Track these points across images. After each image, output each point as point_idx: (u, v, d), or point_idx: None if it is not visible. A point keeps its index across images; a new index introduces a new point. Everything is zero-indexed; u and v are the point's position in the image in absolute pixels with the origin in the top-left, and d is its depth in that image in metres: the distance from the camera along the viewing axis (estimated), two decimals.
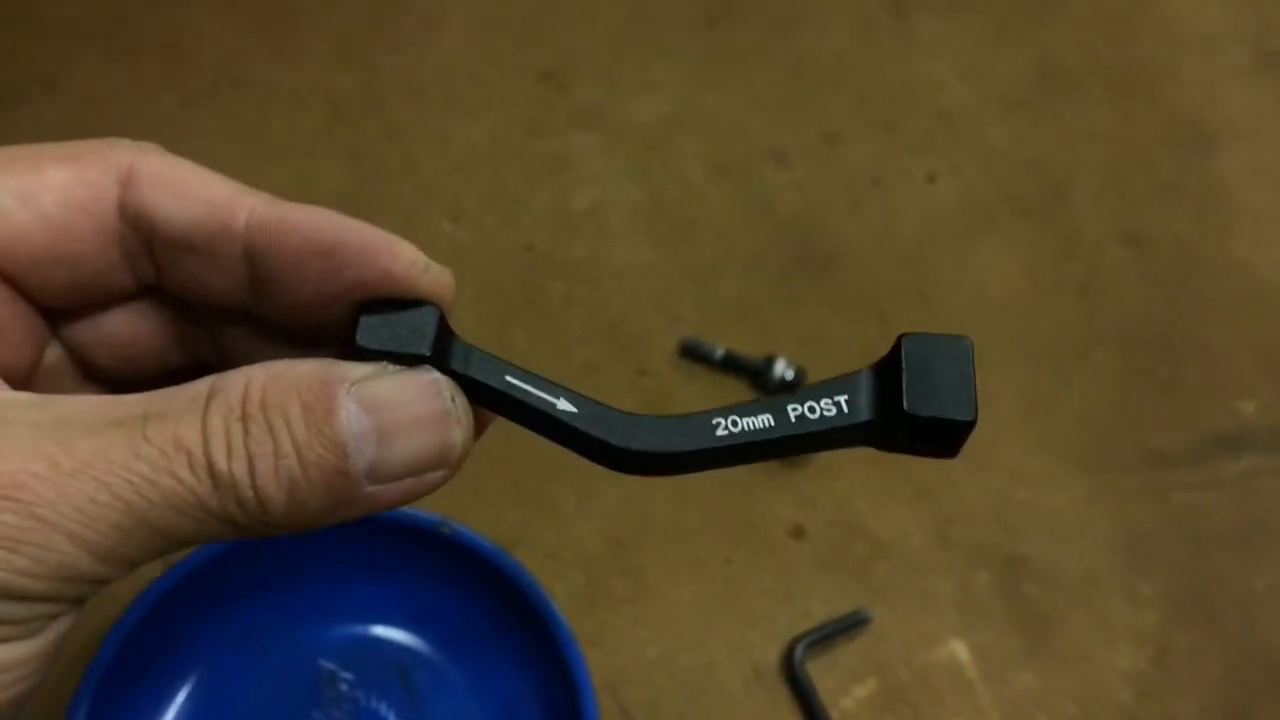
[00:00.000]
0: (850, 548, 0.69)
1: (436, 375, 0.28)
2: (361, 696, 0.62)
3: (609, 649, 0.66)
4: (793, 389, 0.73)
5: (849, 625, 0.67)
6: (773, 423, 0.29)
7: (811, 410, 0.29)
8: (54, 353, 0.31)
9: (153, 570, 0.59)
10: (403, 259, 0.28)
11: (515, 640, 0.61)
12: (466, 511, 0.64)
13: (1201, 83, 0.89)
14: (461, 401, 0.28)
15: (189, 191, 0.28)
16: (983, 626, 0.67)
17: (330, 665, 0.62)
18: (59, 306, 0.30)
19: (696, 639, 0.66)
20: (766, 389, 0.73)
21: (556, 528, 0.69)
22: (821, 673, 0.65)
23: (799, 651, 0.65)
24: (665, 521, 0.70)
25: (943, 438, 0.29)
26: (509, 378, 0.29)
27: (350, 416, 0.26)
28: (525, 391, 0.29)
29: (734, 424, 0.29)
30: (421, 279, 0.29)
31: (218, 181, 0.29)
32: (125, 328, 0.31)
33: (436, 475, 0.28)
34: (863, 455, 0.72)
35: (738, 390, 0.74)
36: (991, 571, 0.69)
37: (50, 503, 0.24)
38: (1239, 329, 0.77)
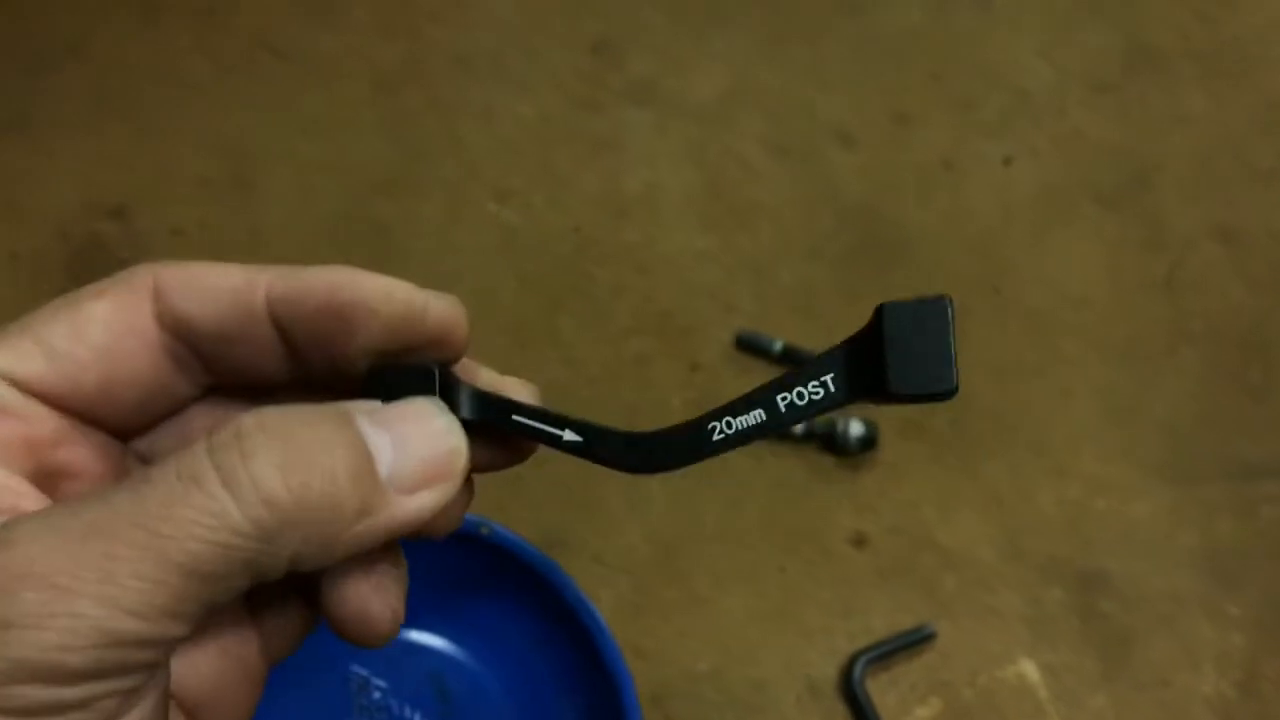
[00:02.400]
0: (914, 558, 0.65)
1: (433, 397, 0.29)
2: (395, 705, 0.59)
3: (656, 660, 0.62)
4: None
5: (912, 641, 0.63)
6: (764, 417, 0.30)
7: (800, 396, 0.30)
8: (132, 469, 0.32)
9: None
10: (397, 310, 0.29)
11: (557, 648, 0.58)
12: (508, 512, 0.60)
13: None
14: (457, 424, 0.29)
15: (210, 285, 0.30)
16: (1055, 646, 0.63)
17: (363, 672, 0.59)
18: (131, 426, 0.31)
19: (749, 652, 0.63)
20: None
21: (603, 530, 0.65)
22: (881, 691, 0.62)
23: (858, 668, 0.62)
24: (716, 525, 0.66)
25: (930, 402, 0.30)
26: (515, 416, 0.31)
27: (367, 427, 0.27)
28: (532, 428, 0.31)
29: (728, 425, 0.30)
30: (423, 325, 0.29)
31: (235, 270, 0.30)
32: (196, 429, 0.32)
33: (447, 487, 0.28)
34: (927, 459, 0.68)
35: None
36: (1066, 587, 0.64)
37: (66, 569, 0.24)
38: None
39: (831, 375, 0.30)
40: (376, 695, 0.59)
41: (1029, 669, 0.63)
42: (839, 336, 0.73)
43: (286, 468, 0.25)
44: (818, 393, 0.30)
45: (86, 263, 0.74)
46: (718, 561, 0.65)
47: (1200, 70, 0.82)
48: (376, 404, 0.28)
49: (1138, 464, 0.68)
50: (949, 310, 0.29)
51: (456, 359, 0.31)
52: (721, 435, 0.30)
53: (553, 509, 0.65)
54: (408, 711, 0.59)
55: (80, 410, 0.30)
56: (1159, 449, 0.68)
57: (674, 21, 0.84)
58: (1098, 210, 0.76)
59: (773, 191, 0.77)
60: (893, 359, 0.29)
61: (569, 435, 0.31)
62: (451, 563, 0.58)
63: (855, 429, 0.67)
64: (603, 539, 0.65)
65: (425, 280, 0.79)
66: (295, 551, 0.26)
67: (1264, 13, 0.85)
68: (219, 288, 0.29)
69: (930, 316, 0.29)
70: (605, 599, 0.63)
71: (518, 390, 0.32)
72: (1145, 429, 0.69)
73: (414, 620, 0.60)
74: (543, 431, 0.31)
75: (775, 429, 0.30)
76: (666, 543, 0.65)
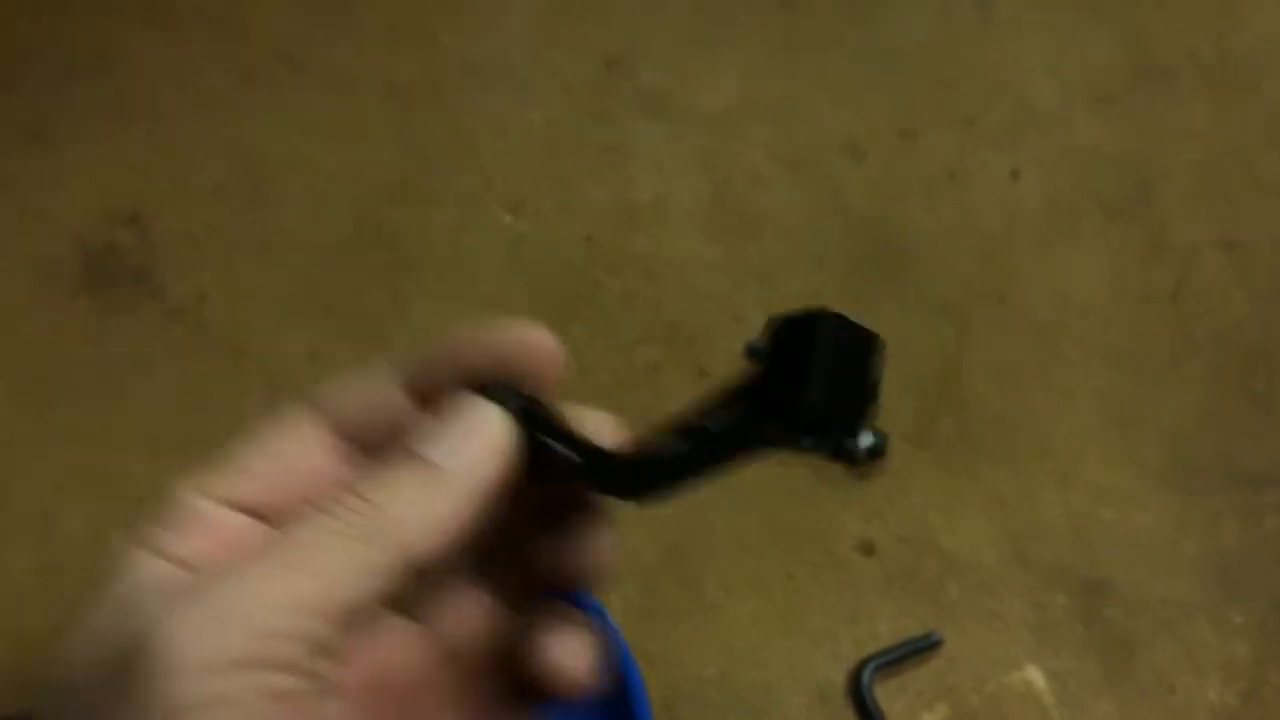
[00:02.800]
0: (921, 565, 0.66)
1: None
2: None
3: (663, 664, 0.63)
4: None
5: (919, 648, 0.63)
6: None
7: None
8: None
9: None
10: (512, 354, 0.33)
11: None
12: None
13: None
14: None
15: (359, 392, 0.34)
16: (1060, 652, 0.63)
17: None
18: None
19: (757, 657, 0.63)
20: None
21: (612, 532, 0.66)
22: (889, 697, 0.62)
23: (867, 674, 0.62)
24: (725, 531, 0.66)
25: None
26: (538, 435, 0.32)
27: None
28: (552, 445, 0.32)
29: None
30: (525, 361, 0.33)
31: (371, 375, 0.34)
32: None
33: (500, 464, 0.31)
34: (933, 465, 0.69)
35: None
36: (1070, 594, 0.65)
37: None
38: None
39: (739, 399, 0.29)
40: None
41: (1034, 675, 0.63)
42: None
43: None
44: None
45: (101, 270, 0.75)
46: (726, 567, 0.66)
47: (1205, 82, 0.83)
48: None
49: (1142, 471, 0.68)
50: (877, 347, 0.27)
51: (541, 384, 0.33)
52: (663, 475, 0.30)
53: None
54: None
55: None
56: (1163, 456, 0.69)
57: (685, 34, 0.85)
58: (1102, 220, 0.77)
59: (781, 201, 0.78)
60: (812, 372, 0.26)
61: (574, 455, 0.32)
62: None
63: (864, 439, 0.67)
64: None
65: (438, 291, 0.80)
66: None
67: (1270, 26, 0.86)
68: (365, 392, 0.34)
69: (857, 342, 0.27)
70: (613, 602, 0.64)
71: (598, 423, 0.33)
72: (1150, 436, 0.69)
73: None
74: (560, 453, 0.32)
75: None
76: (675, 547, 0.66)
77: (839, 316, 0.26)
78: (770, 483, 0.68)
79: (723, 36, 0.85)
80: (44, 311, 0.74)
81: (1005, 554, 0.66)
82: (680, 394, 0.70)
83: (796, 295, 0.74)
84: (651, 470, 0.31)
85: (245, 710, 0.25)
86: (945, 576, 0.65)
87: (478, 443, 0.31)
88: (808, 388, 0.26)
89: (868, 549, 0.66)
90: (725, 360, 0.71)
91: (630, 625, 0.62)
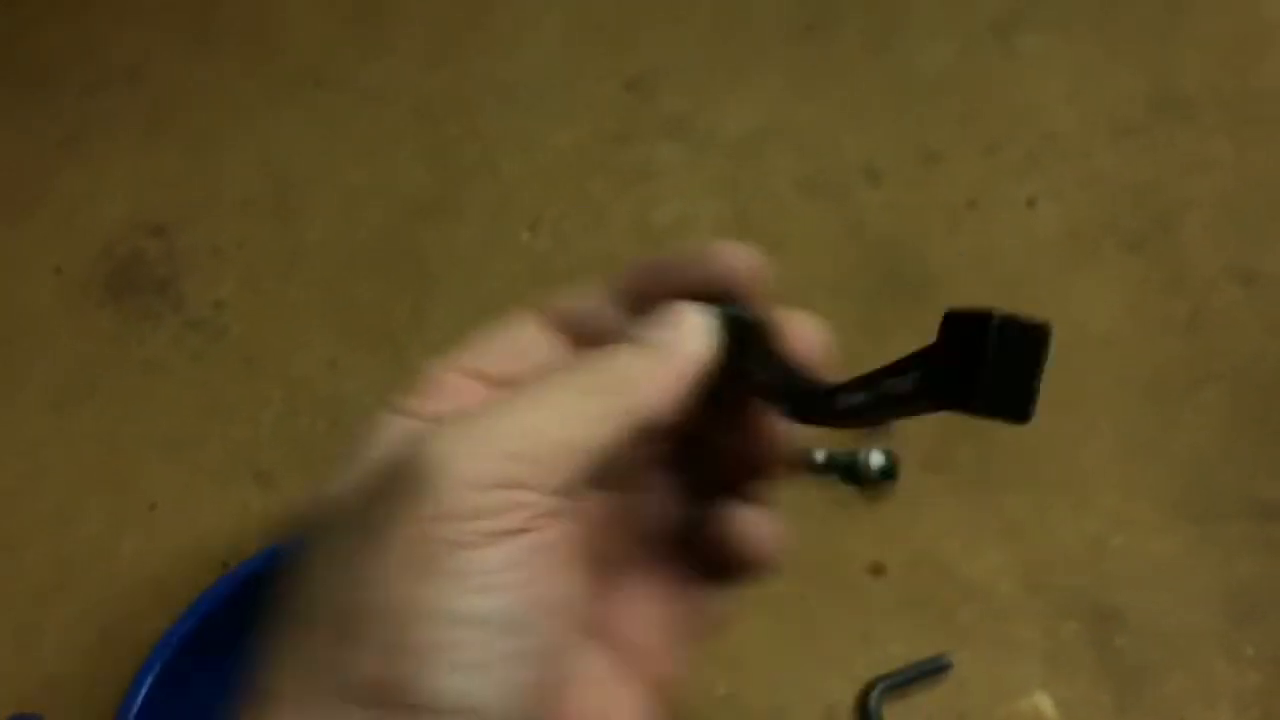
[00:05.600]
0: (933, 589, 0.66)
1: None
2: None
3: None
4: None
5: (929, 671, 0.63)
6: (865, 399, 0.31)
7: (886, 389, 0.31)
8: None
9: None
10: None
11: None
12: None
13: None
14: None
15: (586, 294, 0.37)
16: (1071, 679, 0.63)
17: None
18: None
19: (767, 678, 0.63)
20: None
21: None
22: (899, 719, 0.62)
23: (875, 696, 0.62)
24: None
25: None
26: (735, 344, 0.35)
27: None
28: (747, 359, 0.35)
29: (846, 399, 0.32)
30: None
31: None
32: None
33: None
34: (948, 491, 0.69)
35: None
36: (1082, 621, 0.65)
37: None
38: None
39: (914, 377, 0.30)
40: None
41: (1044, 702, 0.63)
42: (861, 370, 0.75)
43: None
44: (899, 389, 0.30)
45: (126, 278, 0.76)
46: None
47: (1226, 117, 0.83)
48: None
49: (1158, 501, 0.68)
50: (1048, 339, 0.28)
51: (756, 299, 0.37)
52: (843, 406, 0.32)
53: None
54: None
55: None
56: (1179, 486, 0.69)
57: (708, 59, 0.86)
58: (1121, 252, 0.77)
59: (800, 226, 0.78)
60: (983, 375, 0.28)
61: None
62: None
63: (875, 459, 0.68)
64: None
65: (457, 305, 0.81)
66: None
67: None
68: (586, 300, 0.36)
69: (1028, 340, 0.28)
70: None
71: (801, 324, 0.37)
72: (1166, 466, 0.69)
73: None
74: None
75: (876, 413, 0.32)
76: None
77: (1013, 316, 0.28)
78: (782, 505, 0.68)
79: (745, 61, 0.86)
80: (70, 317, 0.75)
81: (1018, 580, 0.66)
82: None
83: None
84: (830, 406, 0.33)
85: (500, 522, 0.29)
86: (957, 601, 0.65)
87: (689, 331, 0.34)
88: (981, 375, 0.28)
89: (878, 571, 0.66)
90: None
91: None
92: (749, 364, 0.35)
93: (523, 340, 0.36)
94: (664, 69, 0.85)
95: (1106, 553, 0.67)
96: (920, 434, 0.70)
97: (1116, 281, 0.76)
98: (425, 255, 0.77)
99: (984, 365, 0.27)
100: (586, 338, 0.36)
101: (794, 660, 0.64)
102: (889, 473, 0.68)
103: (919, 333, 0.78)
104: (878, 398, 0.31)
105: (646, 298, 0.35)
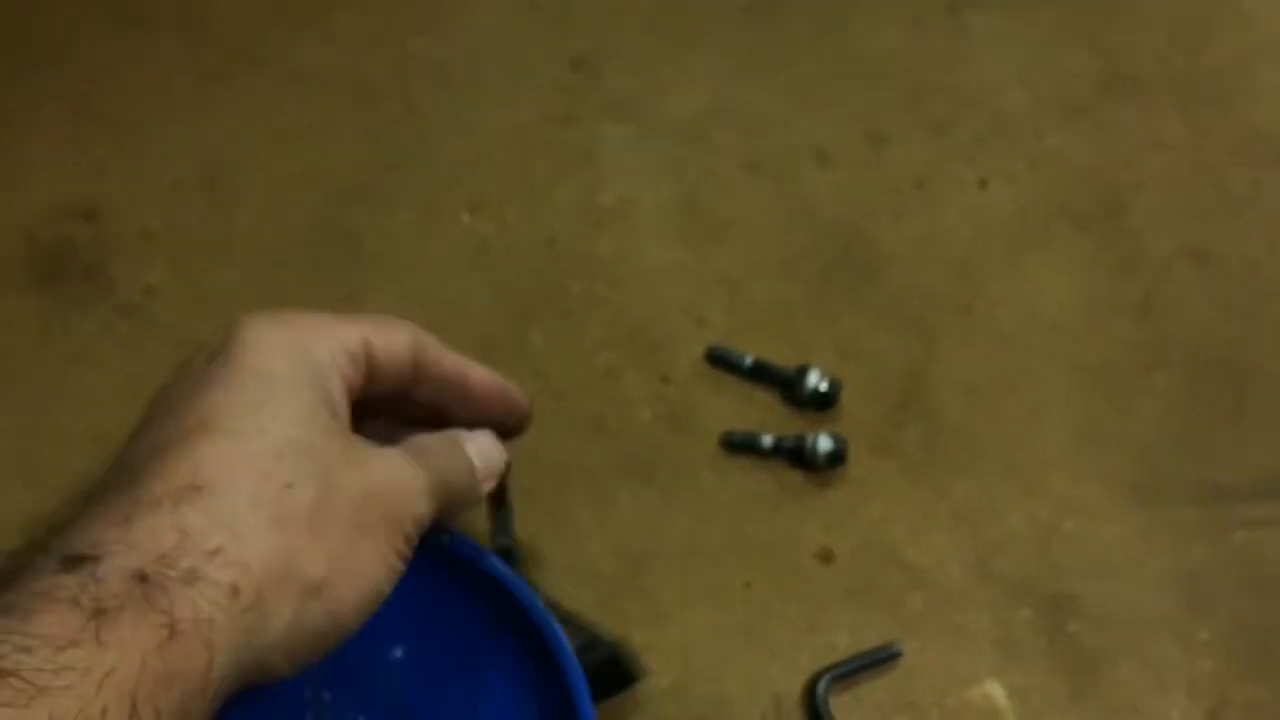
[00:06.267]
0: (882, 576, 0.64)
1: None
2: (350, 717, 0.58)
3: None
4: (827, 401, 0.68)
5: (878, 660, 0.62)
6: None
7: None
8: None
9: None
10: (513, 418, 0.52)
11: (515, 662, 0.57)
12: (474, 521, 0.59)
13: (1278, 92, 0.83)
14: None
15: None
16: (1023, 668, 0.62)
17: (311, 683, 0.58)
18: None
19: (712, 669, 0.62)
20: (798, 401, 0.69)
21: (569, 541, 0.64)
22: (846, 710, 0.61)
23: (822, 686, 0.61)
24: (683, 539, 0.65)
25: None
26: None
27: (469, 448, 0.48)
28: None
29: None
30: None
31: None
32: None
33: (493, 481, 0.49)
34: (898, 475, 0.68)
35: (766, 402, 0.69)
36: (1034, 609, 0.63)
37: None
38: None
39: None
40: (326, 703, 0.58)
41: (996, 691, 0.61)
42: (812, 353, 0.78)
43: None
44: None
45: (53, 265, 0.74)
46: (683, 576, 0.64)
47: (1178, 97, 0.82)
48: (465, 432, 0.48)
49: (1110, 486, 0.67)
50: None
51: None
52: None
53: (519, 520, 0.64)
54: None
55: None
56: (1131, 471, 0.68)
57: (653, 39, 0.84)
58: (1072, 233, 0.76)
59: (748, 208, 0.77)
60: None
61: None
62: (409, 569, 0.57)
63: (824, 444, 0.66)
64: (568, 551, 0.64)
65: (393, 290, 0.80)
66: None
67: (1241, 43, 0.86)
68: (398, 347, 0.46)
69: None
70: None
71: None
72: (1118, 451, 0.68)
73: (366, 627, 0.59)
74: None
75: None
76: (633, 557, 0.64)
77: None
78: (729, 492, 0.67)
79: (691, 41, 0.84)
80: None
81: (969, 567, 0.65)
82: (641, 399, 0.69)
83: (762, 302, 0.73)
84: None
85: (295, 367, 0.40)
86: (907, 588, 0.64)
87: (493, 474, 0.49)
88: None
89: (826, 558, 0.65)
90: (687, 365, 0.70)
91: None
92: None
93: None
94: (608, 49, 0.83)
95: (1058, 538, 0.65)
96: (869, 418, 0.69)
97: (1067, 263, 0.75)
98: (361, 239, 0.75)
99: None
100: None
101: (740, 651, 0.62)
102: (838, 457, 0.66)
103: (868, 315, 0.77)
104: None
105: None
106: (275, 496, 0.36)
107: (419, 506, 0.43)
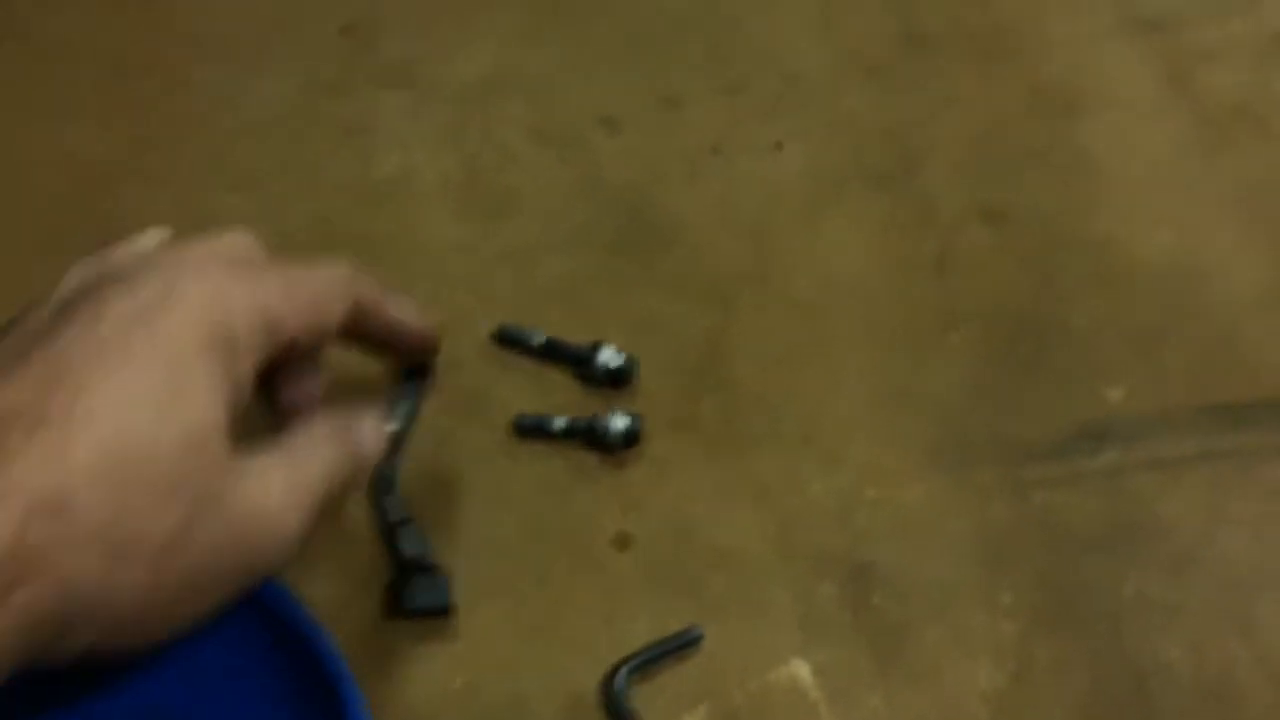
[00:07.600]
0: (682, 558, 0.62)
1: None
2: None
3: (404, 679, 0.57)
4: (622, 378, 0.65)
5: (677, 646, 0.59)
6: None
7: None
8: None
9: None
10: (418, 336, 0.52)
11: (285, 677, 0.53)
12: None
13: (1068, 47, 0.83)
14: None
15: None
16: (827, 643, 0.60)
17: None
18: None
19: (506, 667, 0.58)
20: (593, 379, 0.66)
21: (346, 542, 0.60)
22: (647, 700, 0.58)
23: (620, 678, 0.58)
24: (475, 533, 0.61)
25: None
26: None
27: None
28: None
29: None
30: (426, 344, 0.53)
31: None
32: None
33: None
34: (696, 452, 0.65)
35: (560, 382, 0.66)
36: (837, 582, 0.62)
37: None
38: (1105, 310, 0.71)
39: None
40: None
41: (801, 669, 0.60)
42: (604, 327, 0.77)
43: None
44: None
45: None
46: (473, 573, 0.60)
47: (972, 53, 0.82)
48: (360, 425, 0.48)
49: (909, 449, 0.66)
50: None
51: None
52: None
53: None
54: None
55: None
56: (931, 433, 0.66)
57: (432, 2, 0.80)
58: (868, 193, 0.74)
59: (534, 178, 0.73)
60: None
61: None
62: None
63: (618, 423, 0.63)
64: (346, 552, 0.60)
65: None
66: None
67: None
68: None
69: None
70: (349, 619, 0.58)
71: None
72: (917, 414, 0.67)
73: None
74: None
75: None
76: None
77: None
78: (521, 480, 0.63)
79: (473, 5, 0.80)
80: None
81: (770, 543, 0.62)
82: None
83: (552, 277, 0.70)
84: None
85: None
86: (708, 569, 0.62)
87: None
88: None
89: (624, 543, 0.62)
90: (476, 347, 0.67)
91: (365, 640, 0.57)
92: None
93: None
94: (383, 13, 0.79)
95: (859, 507, 0.64)
96: (666, 393, 0.66)
97: (862, 225, 0.73)
98: (117, 224, 0.68)
99: None
100: None
101: (535, 647, 0.59)
102: (633, 436, 0.64)
103: (663, 286, 0.73)
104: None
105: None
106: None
107: (278, 561, 0.40)
